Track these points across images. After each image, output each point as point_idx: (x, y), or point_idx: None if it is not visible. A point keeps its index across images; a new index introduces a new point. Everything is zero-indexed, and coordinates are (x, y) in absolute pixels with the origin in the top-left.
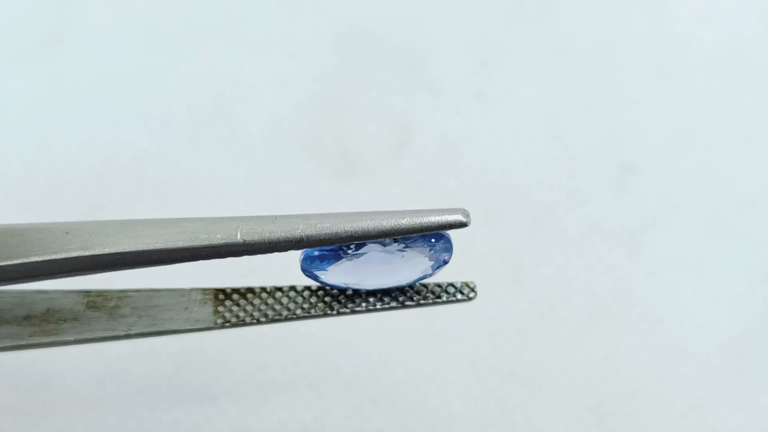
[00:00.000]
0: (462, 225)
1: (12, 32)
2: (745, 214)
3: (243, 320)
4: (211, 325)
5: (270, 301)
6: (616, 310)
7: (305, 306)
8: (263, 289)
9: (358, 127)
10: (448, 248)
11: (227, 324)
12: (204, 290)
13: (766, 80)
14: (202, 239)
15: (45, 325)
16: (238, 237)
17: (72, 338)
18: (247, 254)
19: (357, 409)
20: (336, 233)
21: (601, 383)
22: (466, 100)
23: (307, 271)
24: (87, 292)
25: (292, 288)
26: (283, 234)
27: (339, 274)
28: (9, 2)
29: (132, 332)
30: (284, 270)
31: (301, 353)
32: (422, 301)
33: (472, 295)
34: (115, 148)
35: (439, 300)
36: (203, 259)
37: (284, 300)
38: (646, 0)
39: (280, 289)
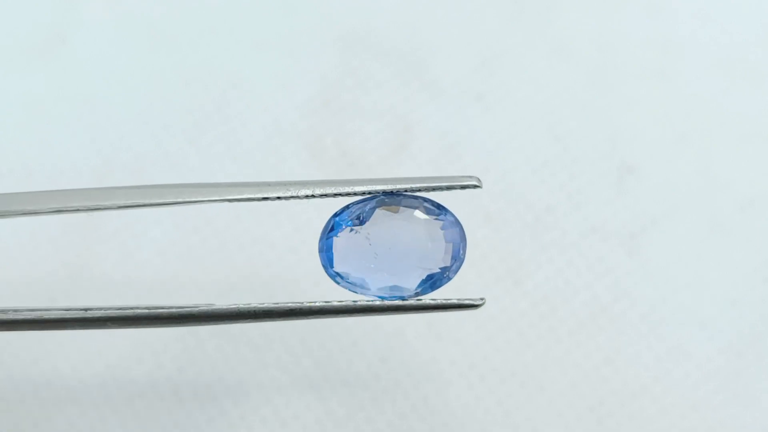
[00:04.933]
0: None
1: (13, 33)
2: (745, 214)
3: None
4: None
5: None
6: (617, 311)
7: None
8: None
9: (359, 127)
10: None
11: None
12: None
13: (765, 81)
14: None
15: None
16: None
17: None
18: None
19: (357, 409)
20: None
21: (602, 384)
22: (466, 101)
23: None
24: None
25: None
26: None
27: (350, 250)
28: (11, 3)
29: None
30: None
31: (302, 353)
32: (429, 302)
33: (478, 302)
34: (116, 148)
35: (444, 303)
36: None
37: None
38: (645, 1)
39: None
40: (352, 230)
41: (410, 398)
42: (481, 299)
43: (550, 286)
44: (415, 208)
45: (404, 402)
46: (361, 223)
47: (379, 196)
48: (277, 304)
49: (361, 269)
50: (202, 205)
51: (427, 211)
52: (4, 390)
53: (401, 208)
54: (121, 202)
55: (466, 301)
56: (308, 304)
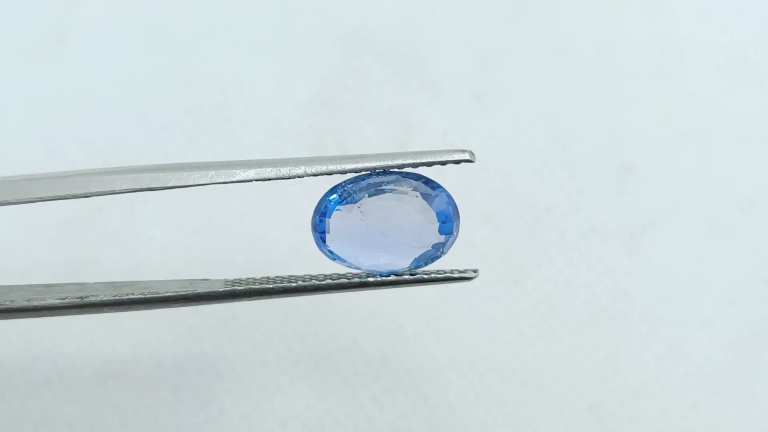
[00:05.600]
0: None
1: (14, 33)
2: (745, 215)
3: (252, 286)
4: (221, 288)
5: (264, 280)
6: (617, 311)
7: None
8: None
9: (359, 127)
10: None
11: (236, 285)
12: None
13: (765, 81)
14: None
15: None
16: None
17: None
18: None
19: (357, 408)
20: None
21: (602, 384)
22: (467, 101)
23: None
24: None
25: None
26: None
27: (343, 228)
28: (11, 3)
29: (138, 295)
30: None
31: (302, 352)
32: (422, 276)
33: (471, 274)
34: (116, 148)
35: (437, 276)
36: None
37: (292, 278)
38: (645, 1)
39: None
40: (344, 209)
41: (410, 397)
42: (474, 271)
43: (550, 286)
44: (408, 186)
45: (404, 401)
46: (354, 201)
47: (371, 174)
48: (272, 283)
49: (354, 247)
50: (197, 192)
51: (419, 189)
52: (3, 390)
53: (393, 186)
54: (105, 189)
55: (458, 274)
56: (302, 283)
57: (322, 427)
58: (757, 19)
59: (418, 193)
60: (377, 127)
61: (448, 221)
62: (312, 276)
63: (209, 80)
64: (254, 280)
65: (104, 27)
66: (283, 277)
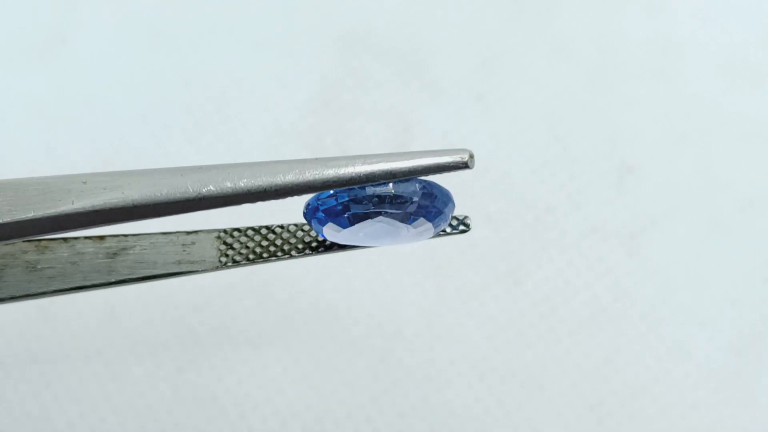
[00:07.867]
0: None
1: (14, 33)
2: (745, 215)
3: (246, 256)
4: (216, 264)
5: (257, 238)
6: (617, 311)
7: (302, 241)
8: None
9: (359, 127)
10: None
11: (229, 263)
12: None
13: (765, 81)
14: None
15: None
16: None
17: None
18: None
19: (357, 408)
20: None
21: (602, 383)
22: (467, 101)
23: (309, 220)
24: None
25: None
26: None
27: (335, 232)
28: (11, 3)
29: (133, 276)
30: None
31: (301, 353)
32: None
33: (463, 228)
34: (116, 148)
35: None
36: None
37: (284, 235)
38: (645, 1)
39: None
40: (334, 227)
41: (410, 398)
42: (467, 225)
43: (550, 286)
44: (401, 202)
45: (404, 402)
46: (345, 225)
47: (356, 189)
48: (266, 252)
49: (345, 240)
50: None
51: (415, 198)
52: (3, 390)
53: (387, 209)
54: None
55: (451, 230)
56: (296, 254)
57: (322, 427)
58: (757, 19)
59: (409, 225)
60: (377, 127)
61: (441, 221)
62: (303, 229)
63: (209, 80)
64: (245, 236)
65: (104, 27)
66: (274, 232)
